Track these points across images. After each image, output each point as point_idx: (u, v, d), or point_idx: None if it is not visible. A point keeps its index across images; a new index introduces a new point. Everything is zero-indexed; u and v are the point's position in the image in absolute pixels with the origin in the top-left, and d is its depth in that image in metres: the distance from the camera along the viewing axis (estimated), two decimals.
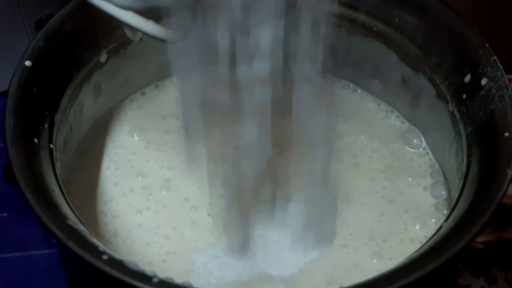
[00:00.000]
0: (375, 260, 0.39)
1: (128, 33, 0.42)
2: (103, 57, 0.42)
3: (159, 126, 0.45)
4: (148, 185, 0.42)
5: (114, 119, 0.45)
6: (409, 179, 0.43)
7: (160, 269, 0.37)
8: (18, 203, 0.47)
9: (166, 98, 0.47)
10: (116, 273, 0.29)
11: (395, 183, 0.43)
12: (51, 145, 0.36)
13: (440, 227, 0.34)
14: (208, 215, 0.41)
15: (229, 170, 0.42)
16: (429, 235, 0.38)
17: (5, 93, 0.36)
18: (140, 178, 0.42)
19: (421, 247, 0.32)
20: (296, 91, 0.48)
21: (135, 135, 0.44)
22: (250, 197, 0.41)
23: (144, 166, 0.43)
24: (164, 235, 0.39)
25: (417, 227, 0.40)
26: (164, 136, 0.45)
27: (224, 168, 0.42)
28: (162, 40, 0.35)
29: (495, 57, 0.38)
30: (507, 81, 0.37)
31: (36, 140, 0.35)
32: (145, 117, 0.46)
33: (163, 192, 0.41)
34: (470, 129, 0.38)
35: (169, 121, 0.45)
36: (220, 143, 0.44)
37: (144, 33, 0.36)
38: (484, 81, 0.38)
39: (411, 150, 0.45)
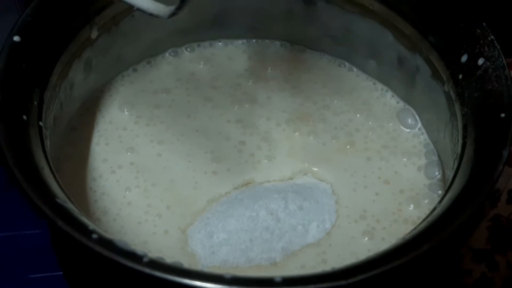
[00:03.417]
0: (366, 239, 0.38)
1: None
2: (94, 34, 0.41)
3: (149, 100, 0.45)
4: (136, 161, 0.41)
5: (105, 95, 0.45)
6: (404, 159, 0.43)
7: (154, 249, 0.37)
8: (8, 182, 0.47)
9: (158, 74, 0.47)
10: (106, 252, 0.29)
11: (390, 163, 0.42)
12: (41, 123, 0.35)
13: (434, 208, 0.33)
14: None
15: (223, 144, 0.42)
16: (423, 215, 0.38)
17: None
18: (129, 153, 0.42)
19: (415, 228, 0.32)
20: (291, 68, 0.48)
21: (125, 110, 0.44)
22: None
23: (133, 141, 0.42)
24: (157, 213, 0.39)
25: (411, 208, 0.40)
26: (154, 110, 0.44)
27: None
28: (155, 16, 0.34)
29: (492, 37, 0.38)
30: (504, 61, 0.37)
31: (25, 117, 0.34)
32: (136, 92, 0.45)
33: (152, 169, 0.41)
34: (465, 109, 0.37)
35: (159, 96, 0.45)
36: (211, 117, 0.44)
37: (137, 9, 0.35)
38: (480, 61, 0.37)
39: (406, 130, 0.44)
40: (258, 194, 0.40)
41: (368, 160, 0.42)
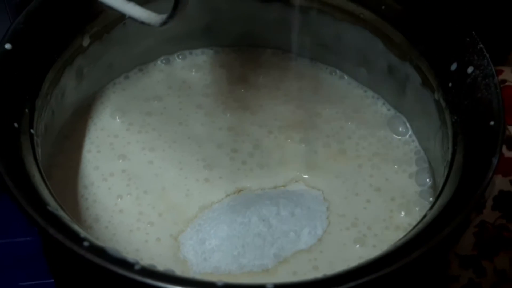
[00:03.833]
0: (357, 246, 0.38)
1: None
2: (85, 41, 0.41)
3: (141, 108, 0.45)
4: (128, 168, 0.41)
5: (97, 102, 0.45)
6: (395, 166, 0.43)
7: (146, 256, 0.37)
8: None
9: (150, 81, 0.47)
10: (97, 260, 0.29)
11: (381, 170, 0.42)
12: (32, 130, 0.35)
13: (425, 215, 0.33)
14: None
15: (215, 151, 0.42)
16: (413, 222, 0.38)
17: None
18: (120, 161, 0.42)
19: (405, 235, 0.32)
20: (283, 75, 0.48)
21: (117, 117, 0.44)
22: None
23: (125, 149, 0.42)
24: (148, 221, 0.39)
25: (402, 215, 0.40)
26: (146, 117, 0.44)
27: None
28: (147, 24, 0.35)
29: (481, 45, 0.38)
30: (493, 70, 0.37)
31: (16, 124, 0.34)
32: (127, 100, 0.45)
33: (143, 177, 0.41)
34: (455, 117, 0.38)
35: (151, 103, 0.45)
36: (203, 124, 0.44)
37: (129, 17, 0.35)
38: (470, 70, 0.38)
39: (397, 137, 0.45)
40: (250, 200, 0.40)
41: (359, 167, 0.43)
